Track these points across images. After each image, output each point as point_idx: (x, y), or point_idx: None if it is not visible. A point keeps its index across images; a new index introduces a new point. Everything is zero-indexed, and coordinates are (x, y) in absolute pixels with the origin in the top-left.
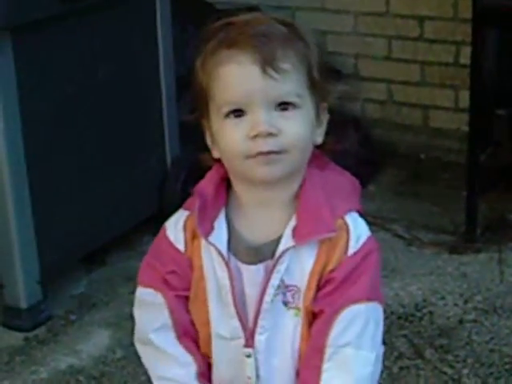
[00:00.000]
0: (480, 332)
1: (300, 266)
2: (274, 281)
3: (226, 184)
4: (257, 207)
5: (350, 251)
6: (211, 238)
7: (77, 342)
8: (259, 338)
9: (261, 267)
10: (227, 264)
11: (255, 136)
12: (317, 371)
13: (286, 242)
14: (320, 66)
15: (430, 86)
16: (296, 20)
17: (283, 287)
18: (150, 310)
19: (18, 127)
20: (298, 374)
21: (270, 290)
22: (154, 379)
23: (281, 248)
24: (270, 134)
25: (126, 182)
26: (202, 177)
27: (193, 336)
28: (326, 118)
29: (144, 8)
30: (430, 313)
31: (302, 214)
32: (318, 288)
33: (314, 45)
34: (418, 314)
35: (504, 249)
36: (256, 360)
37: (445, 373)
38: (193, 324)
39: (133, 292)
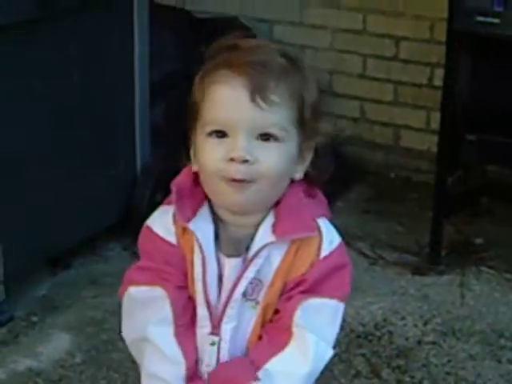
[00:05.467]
0: (438, 354)
1: (268, 261)
2: (250, 273)
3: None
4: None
5: (322, 254)
6: (191, 225)
7: (37, 344)
8: (225, 328)
9: (239, 261)
10: (202, 250)
11: (231, 159)
12: (281, 346)
13: (265, 236)
14: (314, 106)
15: (403, 105)
16: (274, 34)
17: None
18: (150, 305)
19: None
20: None
21: (244, 282)
22: (144, 377)
23: (259, 242)
24: (246, 161)
25: (95, 186)
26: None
27: (192, 329)
28: (309, 156)
29: (122, 14)
30: (390, 333)
31: (281, 211)
32: (285, 288)
33: (314, 84)
34: (378, 334)
35: (467, 272)
36: (219, 348)
37: None
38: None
39: (96, 296)
